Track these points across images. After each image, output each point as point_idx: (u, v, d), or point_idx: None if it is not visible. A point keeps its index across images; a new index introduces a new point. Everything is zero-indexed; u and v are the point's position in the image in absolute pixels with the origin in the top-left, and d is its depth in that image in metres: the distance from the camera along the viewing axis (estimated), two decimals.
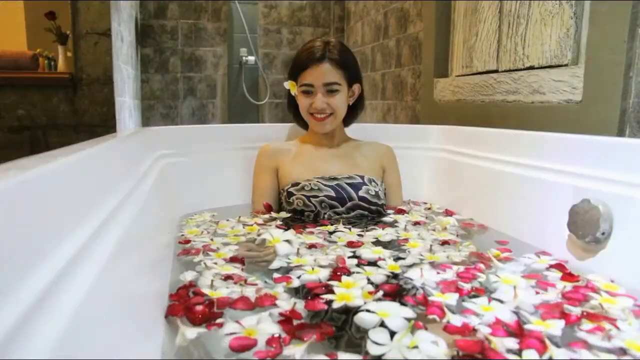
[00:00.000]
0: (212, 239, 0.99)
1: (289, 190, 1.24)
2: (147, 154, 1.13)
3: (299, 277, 0.77)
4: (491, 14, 1.57)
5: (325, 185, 1.22)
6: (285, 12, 3.09)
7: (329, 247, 0.94)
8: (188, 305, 0.65)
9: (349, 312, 0.64)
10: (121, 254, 0.51)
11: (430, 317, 0.62)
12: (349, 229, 1.06)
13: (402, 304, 0.66)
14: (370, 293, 0.69)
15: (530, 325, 0.59)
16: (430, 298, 0.68)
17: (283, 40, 3.10)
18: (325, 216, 1.20)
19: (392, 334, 0.56)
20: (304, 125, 1.35)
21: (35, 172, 0.38)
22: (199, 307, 0.64)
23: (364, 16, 2.75)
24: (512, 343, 0.55)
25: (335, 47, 1.23)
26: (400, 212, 1.26)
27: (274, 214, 1.24)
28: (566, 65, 1.24)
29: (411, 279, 0.77)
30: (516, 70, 1.44)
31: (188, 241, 0.98)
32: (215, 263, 0.83)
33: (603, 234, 0.82)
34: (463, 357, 0.52)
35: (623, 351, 0.54)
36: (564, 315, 0.62)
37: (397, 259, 0.87)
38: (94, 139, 0.80)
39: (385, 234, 1.03)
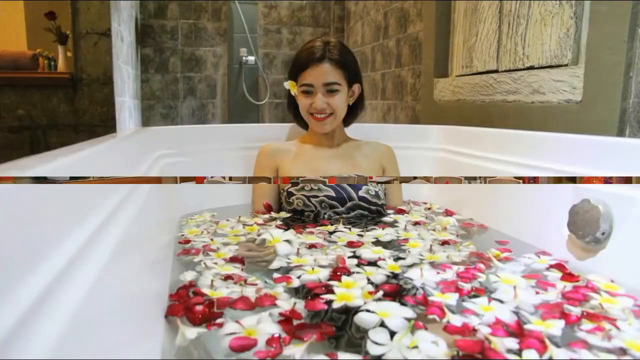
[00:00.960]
0: (212, 239, 0.99)
1: (289, 190, 1.24)
2: (147, 154, 1.13)
3: (299, 277, 0.77)
4: (491, 14, 1.57)
5: (325, 185, 1.21)
6: (285, 12, 3.09)
7: (329, 247, 0.94)
8: (188, 305, 0.65)
9: (349, 312, 0.64)
10: (121, 254, 0.51)
11: (430, 317, 0.62)
12: (349, 229, 1.06)
13: (402, 304, 0.66)
14: (370, 293, 0.69)
15: (530, 325, 0.59)
16: (430, 298, 0.68)
17: (283, 40, 3.10)
18: (325, 216, 1.20)
19: (392, 334, 0.56)
20: (304, 125, 1.35)
21: (35, 172, 0.38)
22: (199, 307, 0.64)
23: (364, 16, 2.75)
24: (512, 343, 0.55)
25: (335, 47, 1.23)
26: (400, 212, 1.26)
27: (274, 214, 1.24)
28: (566, 65, 1.24)
29: (411, 279, 0.77)
30: (516, 70, 1.44)
31: (188, 241, 0.98)
32: (215, 263, 0.83)
33: (603, 234, 0.82)
34: (463, 357, 0.52)
35: (623, 351, 0.54)
36: (564, 315, 0.62)
37: (397, 259, 0.87)
38: (94, 139, 0.80)
39: (385, 234, 1.03)
